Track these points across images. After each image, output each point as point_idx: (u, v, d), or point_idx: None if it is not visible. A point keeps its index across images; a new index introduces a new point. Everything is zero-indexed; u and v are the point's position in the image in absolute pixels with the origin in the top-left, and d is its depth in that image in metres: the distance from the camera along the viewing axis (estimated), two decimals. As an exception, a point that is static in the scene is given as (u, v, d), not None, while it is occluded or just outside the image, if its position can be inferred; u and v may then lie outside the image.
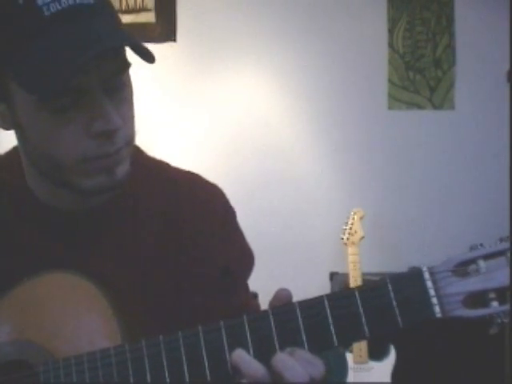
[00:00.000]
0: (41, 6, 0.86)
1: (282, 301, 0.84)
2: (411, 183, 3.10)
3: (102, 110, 0.90)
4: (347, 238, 2.81)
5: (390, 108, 3.09)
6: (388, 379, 2.68)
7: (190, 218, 1.06)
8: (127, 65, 0.94)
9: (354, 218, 2.84)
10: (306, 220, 3.10)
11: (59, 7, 0.86)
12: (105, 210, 1.02)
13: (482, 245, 0.76)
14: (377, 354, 2.71)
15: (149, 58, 0.90)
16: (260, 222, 3.00)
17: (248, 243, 1.13)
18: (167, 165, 1.13)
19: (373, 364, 2.70)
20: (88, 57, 0.85)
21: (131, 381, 0.85)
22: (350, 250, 2.80)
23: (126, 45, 0.89)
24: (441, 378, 2.69)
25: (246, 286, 1.13)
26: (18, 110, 0.93)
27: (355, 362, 2.69)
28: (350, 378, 2.69)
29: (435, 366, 2.69)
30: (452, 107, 3.08)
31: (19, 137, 0.98)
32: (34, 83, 0.87)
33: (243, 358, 0.81)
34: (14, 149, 1.06)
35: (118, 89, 0.93)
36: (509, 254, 0.74)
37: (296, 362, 0.80)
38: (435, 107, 3.08)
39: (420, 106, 3.09)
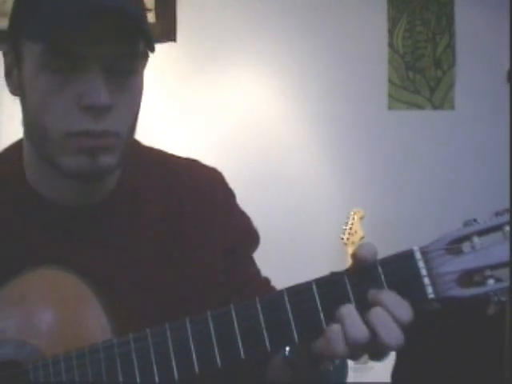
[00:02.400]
0: None
1: (368, 257, 0.80)
2: (411, 183, 3.09)
3: (94, 85, 0.90)
4: (347, 238, 2.80)
5: (390, 108, 3.08)
6: (388, 379, 2.67)
7: (191, 203, 1.06)
8: (135, 54, 0.93)
9: (354, 218, 2.83)
10: (305, 220, 3.09)
11: None
12: (105, 204, 1.02)
13: (476, 220, 0.73)
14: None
15: (150, 44, 0.92)
16: (259, 222, 2.98)
17: (251, 221, 1.14)
18: (164, 153, 1.13)
19: (373, 364, 2.68)
20: (82, 8, 0.87)
21: (120, 375, 0.84)
22: (350, 250, 2.79)
23: (128, 15, 0.89)
24: (441, 378, 2.68)
25: (252, 260, 1.13)
26: (24, 74, 0.94)
27: (355, 362, 2.68)
28: (350, 377, 2.67)
29: (435, 366, 2.67)
30: (452, 107, 3.07)
31: (22, 105, 0.99)
32: (31, 28, 0.90)
33: (351, 314, 0.77)
34: (13, 144, 1.07)
35: (122, 75, 0.93)
36: (507, 228, 0.71)
37: (390, 319, 0.76)
38: (435, 107, 3.08)
39: (420, 106, 3.08)
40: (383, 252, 2.98)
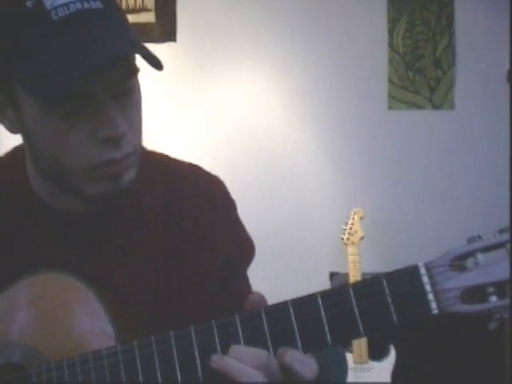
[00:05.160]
0: (49, 10, 0.86)
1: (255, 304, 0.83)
2: (411, 183, 3.09)
3: (108, 116, 0.89)
4: (347, 238, 2.81)
5: (390, 108, 3.09)
6: (388, 379, 2.67)
7: (192, 210, 1.06)
8: (135, 70, 0.93)
9: (354, 218, 2.84)
10: (305, 220, 3.10)
11: (67, 12, 0.86)
12: (108, 211, 1.02)
13: (480, 237, 0.74)
14: (377, 353, 2.70)
15: (157, 64, 0.89)
16: (260, 222, 2.99)
17: (248, 234, 1.14)
18: (167, 157, 1.13)
19: (373, 364, 2.69)
20: (90, 63, 0.85)
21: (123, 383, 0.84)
22: (350, 249, 2.79)
23: (132, 52, 0.89)
24: (441, 378, 2.68)
25: (246, 276, 1.13)
26: (24, 115, 0.93)
27: (355, 362, 2.69)
28: (350, 377, 2.68)
29: (435, 366, 2.68)
30: (452, 107, 3.07)
31: (25, 141, 0.97)
32: (36, 87, 0.87)
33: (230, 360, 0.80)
34: (16, 149, 1.06)
35: (126, 94, 0.93)
36: (509, 246, 0.72)
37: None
38: (435, 107, 3.08)
39: (420, 106, 3.08)
40: (383, 251, 2.97)
